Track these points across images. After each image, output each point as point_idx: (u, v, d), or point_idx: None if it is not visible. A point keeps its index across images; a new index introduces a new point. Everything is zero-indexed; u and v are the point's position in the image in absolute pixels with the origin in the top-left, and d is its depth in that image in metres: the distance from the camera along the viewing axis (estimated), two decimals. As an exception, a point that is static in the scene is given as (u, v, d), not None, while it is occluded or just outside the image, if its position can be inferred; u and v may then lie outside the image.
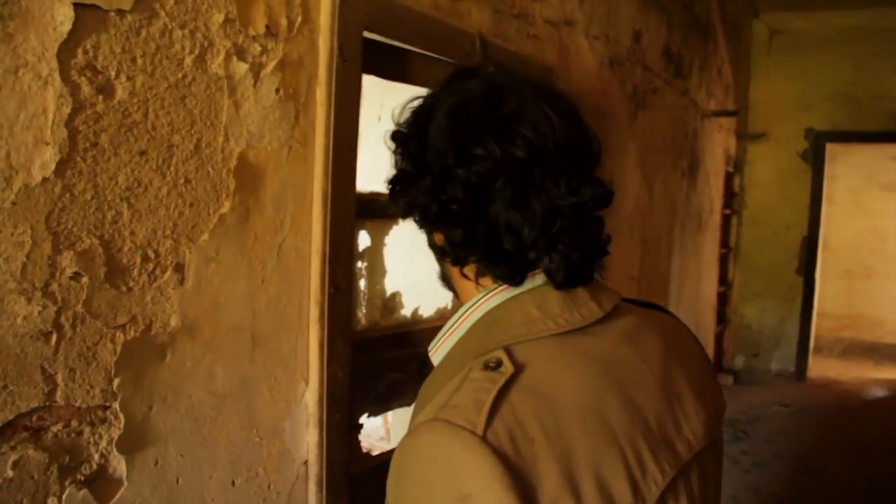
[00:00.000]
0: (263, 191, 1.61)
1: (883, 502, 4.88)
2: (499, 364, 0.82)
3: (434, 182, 0.94)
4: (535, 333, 0.87)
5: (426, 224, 1.02)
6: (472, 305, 0.96)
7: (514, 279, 0.93)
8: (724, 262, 7.26)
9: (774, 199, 7.92)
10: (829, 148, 7.80)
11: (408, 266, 2.18)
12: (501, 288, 0.93)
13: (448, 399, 0.80)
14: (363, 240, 1.95)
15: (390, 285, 2.07)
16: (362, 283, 1.98)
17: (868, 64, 7.33)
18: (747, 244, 8.10)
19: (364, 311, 2.00)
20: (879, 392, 7.84)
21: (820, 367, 8.66)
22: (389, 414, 3.58)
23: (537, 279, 0.92)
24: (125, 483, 1.37)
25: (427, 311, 2.23)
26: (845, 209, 10.18)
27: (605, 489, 0.78)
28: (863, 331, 10.23)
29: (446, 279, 1.08)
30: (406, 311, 2.15)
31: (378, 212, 2.00)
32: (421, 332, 2.19)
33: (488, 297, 0.94)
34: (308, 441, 1.79)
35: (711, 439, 0.95)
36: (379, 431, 4.56)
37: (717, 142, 6.49)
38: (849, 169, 9.98)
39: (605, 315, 0.92)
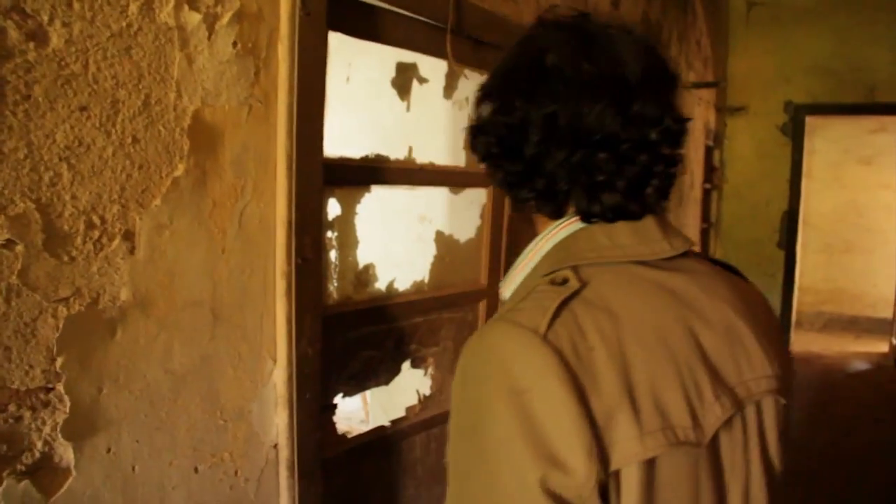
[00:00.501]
0: (222, 153, 1.48)
1: (867, 472, 4.85)
2: (565, 281, 0.85)
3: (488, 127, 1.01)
4: (603, 259, 0.90)
5: (484, 164, 1.05)
6: (542, 238, 0.99)
7: (556, 212, 0.99)
8: (705, 236, 7.20)
9: (754, 174, 7.86)
10: (808, 122, 7.74)
11: (382, 237, 2.06)
12: (570, 221, 0.96)
13: (514, 306, 0.85)
14: (333, 208, 1.83)
15: (363, 257, 1.95)
16: (333, 255, 1.86)
17: (847, 35, 7.26)
18: (728, 219, 8.05)
19: (335, 284, 1.88)
20: (861, 365, 7.84)
21: (802, 342, 8.66)
22: (368, 394, 3.48)
23: (582, 224, 0.97)
24: (73, 472, 1.25)
25: (402, 285, 2.11)
26: (824, 184, 10.14)
27: (661, 407, 0.80)
28: (843, 305, 10.22)
29: None
30: (380, 285, 2.03)
31: (348, 179, 1.88)
32: (397, 306, 2.07)
33: (557, 230, 0.97)
34: (277, 423, 1.67)
35: (775, 397, 0.95)
36: (359, 414, 4.44)
37: (697, 115, 6.40)
38: (827, 143, 9.92)
39: (677, 257, 0.94)
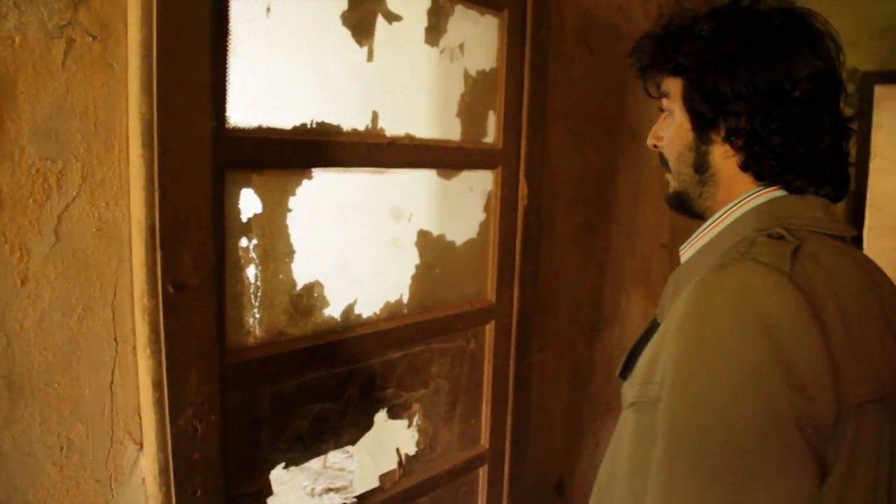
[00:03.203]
0: (12, 117, 0.89)
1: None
2: (781, 237, 0.91)
3: None
4: (806, 225, 0.95)
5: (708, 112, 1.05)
6: (736, 204, 1.01)
7: (763, 174, 1.01)
8: (761, 222, 6.46)
9: (817, 150, 7.07)
10: (877, 91, 6.93)
11: (333, 242, 1.45)
12: (766, 190, 1.00)
13: (747, 250, 0.89)
14: (249, 204, 1.23)
15: (302, 273, 1.34)
16: (251, 272, 1.26)
17: (922, -9, 6.45)
18: (787, 201, 7.28)
19: (257, 315, 1.28)
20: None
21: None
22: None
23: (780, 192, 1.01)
24: None
25: (368, 309, 1.50)
26: (891, 162, 9.28)
27: (871, 358, 0.86)
28: (912, 294, 9.36)
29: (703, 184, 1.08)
30: (332, 311, 1.42)
31: (273, 159, 1.27)
32: (359, 339, 1.46)
33: (753, 197, 1.00)
34: (151, 538, 1.09)
35: None
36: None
37: (754, 85, 5.67)
38: (894, 117, 9.08)
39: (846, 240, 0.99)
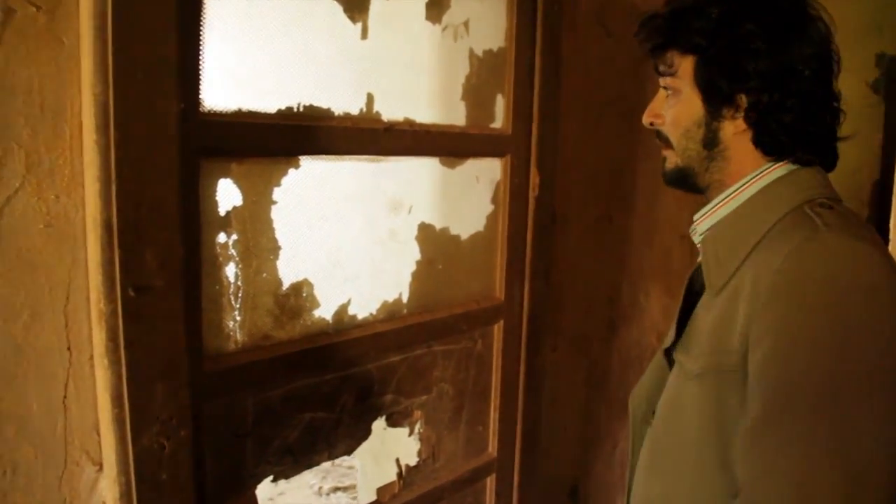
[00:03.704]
0: (-59, 99, 0.78)
1: None
2: (831, 207, 0.95)
3: None
4: (826, 195, 0.99)
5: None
6: (754, 176, 1.04)
7: (779, 149, 1.04)
8: (784, 211, 6.30)
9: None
10: (904, 77, 6.73)
11: (324, 237, 1.33)
12: (780, 164, 1.03)
13: (821, 222, 0.92)
14: (228, 195, 1.12)
15: (289, 271, 1.23)
16: (231, 271, 1.15)
17: (953, -27, 6.24)
18: (811, 190, 7.10)
19: (238, 317, 1.17)
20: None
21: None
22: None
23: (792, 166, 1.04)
24: None
25: (364, 309, 1.38)
26: (917, 148, 9.07)
27: None
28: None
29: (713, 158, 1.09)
30: (323, 312, 1.31)
31: (255, 146, 1.16)
32: (354, 342, 1.35)
33: (771, 170, 1.03)
34: (113, 567, 0.98)
35: None
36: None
37: (777, 71, 5.51)
38: (921, 102, 8.84)
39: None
